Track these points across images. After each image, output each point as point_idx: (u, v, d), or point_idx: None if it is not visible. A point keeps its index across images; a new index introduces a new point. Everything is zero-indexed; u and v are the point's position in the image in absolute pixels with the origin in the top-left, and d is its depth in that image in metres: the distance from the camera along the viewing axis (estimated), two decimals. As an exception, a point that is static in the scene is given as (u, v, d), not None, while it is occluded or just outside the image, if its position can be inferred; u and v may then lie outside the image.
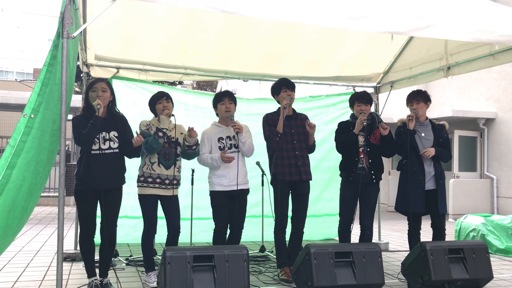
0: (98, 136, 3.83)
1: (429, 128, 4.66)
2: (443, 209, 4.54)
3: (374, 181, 4.63)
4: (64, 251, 5.19)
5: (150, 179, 4.22)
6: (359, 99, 4.66)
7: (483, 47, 4.93)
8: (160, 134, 4.16)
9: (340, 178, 4.79)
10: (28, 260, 5.45)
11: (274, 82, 4.82)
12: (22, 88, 18.97)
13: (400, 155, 4.70)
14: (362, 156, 4.57)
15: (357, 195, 4.58)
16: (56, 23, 3.11)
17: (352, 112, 4.81)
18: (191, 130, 4.29)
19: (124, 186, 4.07)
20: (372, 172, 4.60)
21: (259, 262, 5.40)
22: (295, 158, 4.54)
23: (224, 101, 4.47)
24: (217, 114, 4.63)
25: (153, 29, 5.21)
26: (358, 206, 4.71)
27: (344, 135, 4.61)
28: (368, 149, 4.59)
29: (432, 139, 4.60)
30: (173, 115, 4.26)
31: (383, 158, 4.75)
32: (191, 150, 4.37)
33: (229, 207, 4.44)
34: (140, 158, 4.33)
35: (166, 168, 4.27)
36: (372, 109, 6.76)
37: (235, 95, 4.75)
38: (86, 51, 5.36)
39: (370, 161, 4.59)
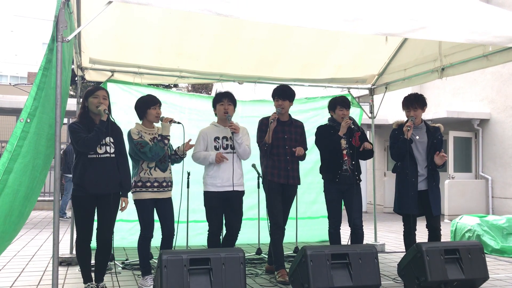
0: None
1: (423, 130, 4.69)
2: (437, 211, 4.56)
3: (358, 181, 4.75)
4: (59, 256, 5.17)
5: (148, 184, 4.21)
6: (341, 104, 4.77)
7: (477, 48, 4.96)
8: (166, 141, 4.21)
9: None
10: (24, 264, 5.42)
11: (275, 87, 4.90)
12: (16, 92, 18.88)
13: (395, 160, 4.75)
14: (346, 158, 4.66)
15: (342, 196, 4.71)
16: (51, 26, 3.11)
17: (330, 116, 4.90)
18: (189, 144, 4.35)
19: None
20: (356, 173, 4.71)
21: (256, 264, 5.40)
22: (285, 162, 4.65)
23: (223, 102, 4.53)
24: (216, 114, 4.66)
25: (147, 32, 5.21)
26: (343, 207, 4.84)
27: (329, 138, 4.69)
28: (350, 151, 4.67)
29: (425, 141, 4.63)
30: (180, 122, 4.30)
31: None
32: (176, 158, 4.45)
33: (223, 208, 4.45)
34: (132, 165, 4.30)
35: (162, 171, 4.28)
36: (367, 110, 6.83)
37: None
38: (81, 54, 5.35)
39: (353, 162, 4.69)
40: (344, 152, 4.67)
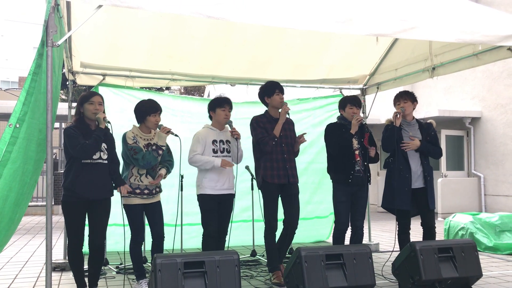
0: None
1: (416, 127, 4.72)
2: (432, 205, 4.58)
3: (369, 183, 4.71)
4: (53, 261, 5.13)
5: (138, 190, 4.19)
6: (352, 102, 4.71)
7: (467, 47, 4.99)
8: (160, 152, 4.18)
9: (329, 181, 4.80)
10: (17, 271, 5.38)
11: (263, 84, 4.83)
12: (7, 97, 18.75)
13: (385, 151, 4.74)
14: (358, 159, 4.59)
15: (351, 197, 4.61)
16: (41, 31, 3.09)
17: (339, 114, 4.84)
18: (158, 178, 4.28)
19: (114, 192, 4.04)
20: (368, 174, 4.68)
21: (251, 266, 5.39)
22: (283, 161, 4.57)
23: (225, 108, 4.52)
24: (210, 117, 4.63)
25: (138, 35, 5.19)
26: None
27: (341, 136, 4.58)
28: (362, 152, 4.63)
29: (419, 138, 4.65)
30: (177, 135, 4.28)
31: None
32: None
33: (218, 211, 4.45)
34: (122, 169, 4.29)
35: (153, 178, 4.27)
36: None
37: None
38: (72, 58, 5.32)
39: (365, 163, 4.64)
40: (356, 152, 4.59)
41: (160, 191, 4.37)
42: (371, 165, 4.80)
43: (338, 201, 4.62)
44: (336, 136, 4.61)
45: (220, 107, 4.52)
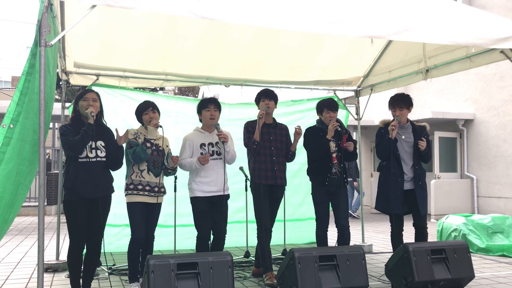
0: None
1: (409, 130, 4.74)
2: (424, 210, 4.61)
3: (346, 184, 4.81)
4: (45, 262, 5.11)
5: (140, 187, 4.21)
6: (328, 107, 4.79)
7: (460, 49, 5.02)
8: (148, 144, 4.22)
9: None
10: (8, 272, 5.34)
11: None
12: (0, 96, 18.65)
13: (380, 159, 4.78)
14: (335, 161, 4.67)
15: (330, 198, 4.73)
16: (34, 30, 3.07)
17: (317, 118, 4.94)
18: (173, 158, 4.32)
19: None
20: (344, 175, 4.77)
21: (244, 267, 5.39)
22: (271, 163, 4.68)
23: (210, 108, 4.50)
24: (200, 120, 4.64)
25: (132, 36, 5.18)
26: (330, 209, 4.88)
27: (318, 141, 4.69)
28: (339, 154, 4.70)
29: (412, 141, 4.68)
30: (161, 126, 4.30)
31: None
32: (168, 172, 4.43)
33: (211, 213, 4.43)
34: (126, 167, 4.33)
35: (155, 175, 4.29)
36: (353, 111, 6.87)
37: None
38: (65, 58, 5.30)
39: (341, 165, 4.74)
40: (334, 155, 4.67)
41: (164, 192, 4.38)
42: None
43: (317, 201, 4.75)
44: (313, 140, 4.73)
45: (204, 108, 4.53)
